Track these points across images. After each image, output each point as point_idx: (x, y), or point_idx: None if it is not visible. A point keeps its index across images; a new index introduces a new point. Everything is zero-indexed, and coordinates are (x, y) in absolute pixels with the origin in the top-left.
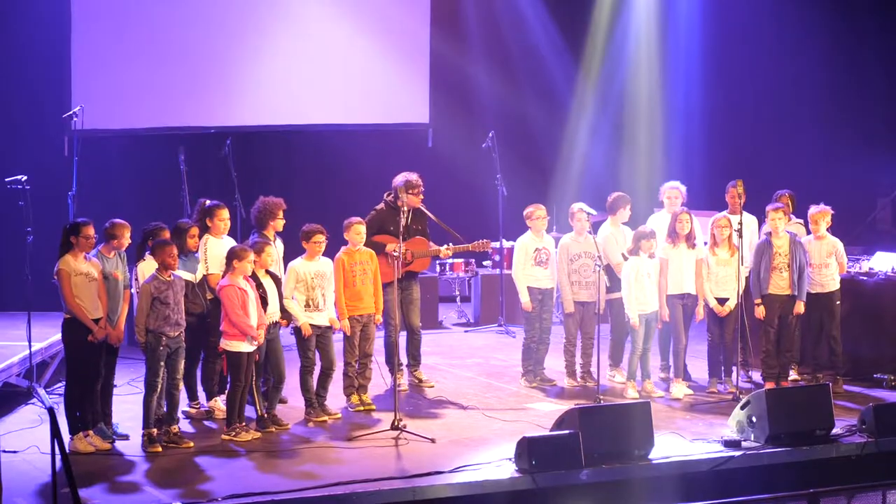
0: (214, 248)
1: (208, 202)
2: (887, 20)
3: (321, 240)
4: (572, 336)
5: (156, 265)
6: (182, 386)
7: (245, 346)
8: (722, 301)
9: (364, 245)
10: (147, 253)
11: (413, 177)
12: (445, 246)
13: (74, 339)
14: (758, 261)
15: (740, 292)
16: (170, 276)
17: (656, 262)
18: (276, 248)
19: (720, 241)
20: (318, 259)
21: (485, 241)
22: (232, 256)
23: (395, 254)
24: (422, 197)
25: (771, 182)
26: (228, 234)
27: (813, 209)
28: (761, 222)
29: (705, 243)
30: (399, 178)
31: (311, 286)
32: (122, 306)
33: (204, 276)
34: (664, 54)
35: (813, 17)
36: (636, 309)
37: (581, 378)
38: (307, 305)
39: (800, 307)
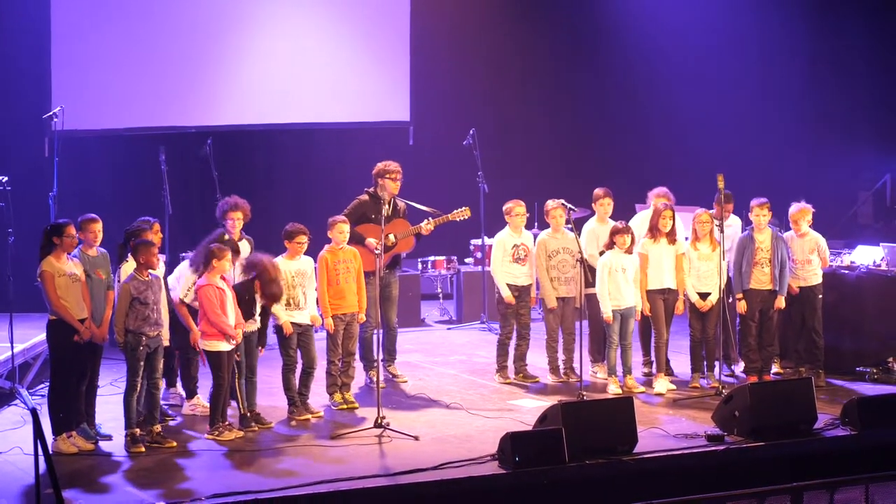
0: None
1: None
2: (868, 16)
3: (304, 241)
4: (554, 332)
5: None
6: (162, 385)
7: (224, 346)
8: (704, 296)
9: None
10: (129, 254)
11: (391, 164)
12: (425, 221)
13: (60, 340)
14: (739, 255)
15: (722, 287)
16: (148, 276)
17: (633, 258)
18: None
19: (702, 236)
20: (299, 258)
21: (464, 208)
22: (210, 256)
23: (377, 252)
24: (400, 183)
25: (753, 178)
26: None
27: (793, 209)
28: (745, 221)
29: (686, 238)
30: (378, 166)
31: (291, 285)
32: (106, 305)
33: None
34: (649, 51)
35: (794, 15)
36: (610, 303)
37: (564, 374)
38: (287, 304)
39: (780, 301)
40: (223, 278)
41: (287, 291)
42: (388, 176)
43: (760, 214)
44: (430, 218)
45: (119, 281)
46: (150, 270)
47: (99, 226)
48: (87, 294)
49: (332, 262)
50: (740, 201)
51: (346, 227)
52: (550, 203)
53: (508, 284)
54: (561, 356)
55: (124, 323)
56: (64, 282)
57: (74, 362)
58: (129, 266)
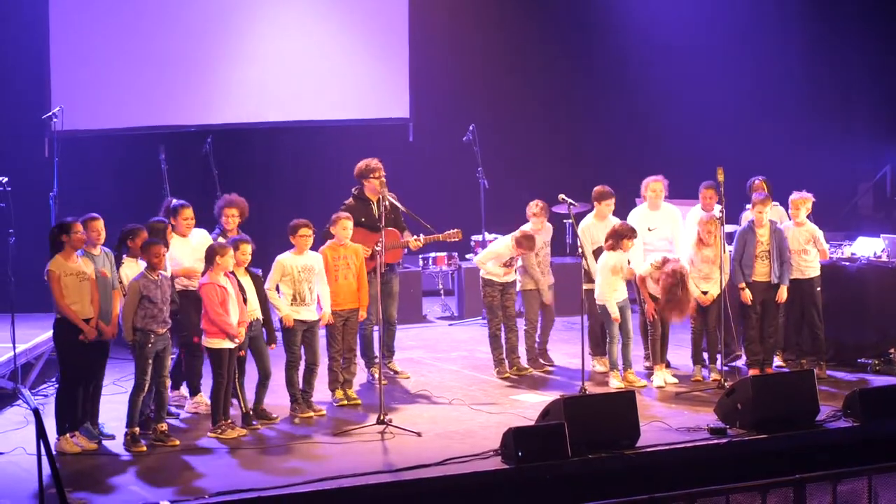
0: (175, 247)
1: (174, 201)
2: (866, 8)
3: (307, 233)
4: (533, 321)
5: (136, 266)
6: (170, 383)
7: (226, 343)
8: (705, 293)
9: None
10: (125, 255)
11: (373, 162)
12: (415, 237)
13: (66, 339)
14: (740, 248)
15: (723, 280)
16: (157, 276)
17: (626, 255)
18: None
19: (707, 241)
20: (306, 253)
21: (456, 230)
22: (213, 253)
23: (378, 248)
24: (384, 180)
25: (752, 170)
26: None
27: (795, 195)
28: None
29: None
30: (359, 165)
31: (297, 280)
32: (114, 303)
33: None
34: (647, 44)
35: (790, 7)
36: (615, 305)
37: (539, 359)
38: (294, 299)
39: (783, 293)
40: (227, 275)
41: (293, 287)
42: (372, 176)
43: (762, 211)
44: (421, 235)
45: (121, 281)
46: (158, 270)
47: (101, 224)
48: (96, 293)
49: (331, 259)
50: (738, 194)
51: (350, 224)
52: (533, 208)
53: (493, 281)
54: (537, 341)
55: (133, 321)
56: (72, 281)
57: (82, 361)
58: (127, 267)
